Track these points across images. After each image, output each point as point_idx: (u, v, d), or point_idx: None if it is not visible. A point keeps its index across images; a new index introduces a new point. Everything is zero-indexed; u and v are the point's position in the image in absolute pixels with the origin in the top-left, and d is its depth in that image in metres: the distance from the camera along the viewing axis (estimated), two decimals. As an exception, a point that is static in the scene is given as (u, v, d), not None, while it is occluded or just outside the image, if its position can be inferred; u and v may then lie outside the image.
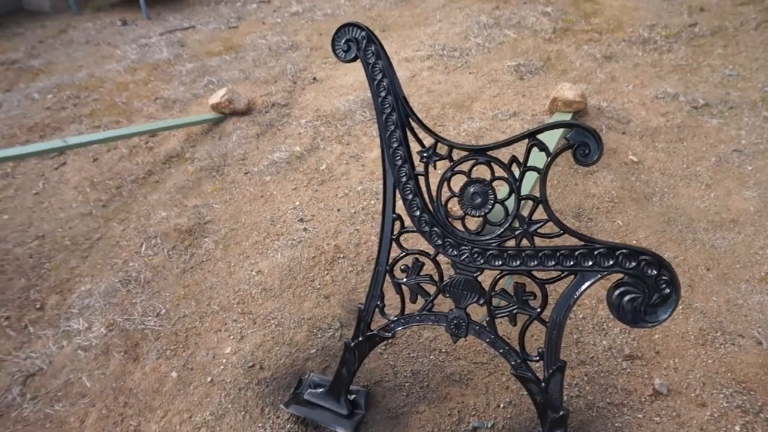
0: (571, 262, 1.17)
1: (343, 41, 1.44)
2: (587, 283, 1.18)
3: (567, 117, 2.50)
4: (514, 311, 1.29)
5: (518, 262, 1.26)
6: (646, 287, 1.09)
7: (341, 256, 2.03)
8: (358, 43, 1.41)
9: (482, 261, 1.30)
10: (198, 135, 2.89)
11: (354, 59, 1.43)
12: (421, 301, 1.41)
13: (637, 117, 2.57)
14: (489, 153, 1.29)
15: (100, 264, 2.18)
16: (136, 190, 2.56)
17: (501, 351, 1.32)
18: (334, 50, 1.45)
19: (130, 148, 2.85)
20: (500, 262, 1.28)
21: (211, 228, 2.27)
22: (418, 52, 3.41)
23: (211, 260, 2.11)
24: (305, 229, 2.18)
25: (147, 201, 2.48)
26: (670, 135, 2.47)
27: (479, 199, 1.29)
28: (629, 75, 2.90)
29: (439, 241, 1.34)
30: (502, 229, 1.27)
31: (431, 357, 1.66)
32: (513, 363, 1.31)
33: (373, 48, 1.39)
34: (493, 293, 1.31)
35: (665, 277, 1.07)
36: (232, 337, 1.78)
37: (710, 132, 2.47)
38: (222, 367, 1.69)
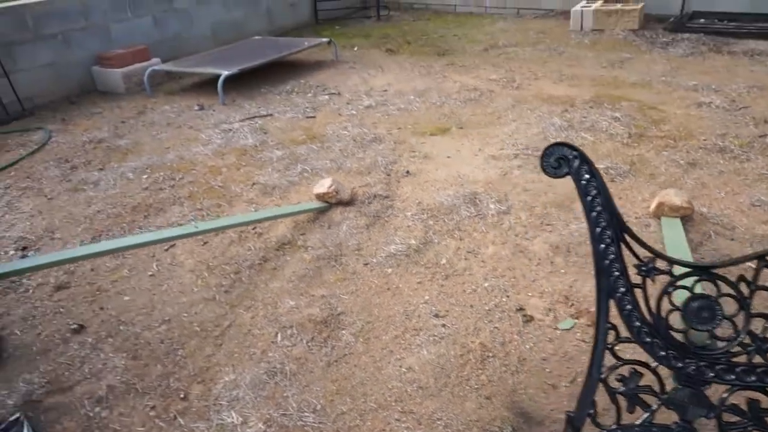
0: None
1: (553, 158, 1.55)
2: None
3: (676, 222, 2.62)
4: (748, 428, 1.31)
5: (753, 378, 1.30)
6: None
7: (490, 355, 2.05)
8: (569, 162, 1.52)
9: (712, 374, 1.34)
10: (305, 223, 2.97)
11: (564, 176, 1.54)
12: (636, 411, 1.43)
13: (740, 224, 2.70)
14: (714, 271, 1.37)
15: (237, 353, 2.17)
16: (255, 277, 2.60)
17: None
18: (543, 166, 1.56)
19: (238, 232, 2.92)
20: (732, 377, 1.32)
21: (345, 320, 2.29)
22: (503, 150, 3.59)
23: (354, 354, 2.12)
24: (443, 326, 2.21)
25: (269, 288, 2.51)
26: (775, 243, 2.59)
27: (705, 314, 1.35)
28: (718, 182, 3.07)
29: (662, 353, 1.39)
30: (731, 345, 1.32)
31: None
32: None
33: (586, 167, 1.50)
34: (723, 408, 1.34)
35: None
36: (402, 439, 1.76)
37: (813, 241, 2.59)
38: (400, 471, 1.66)
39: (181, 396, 2.00)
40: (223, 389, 2.00)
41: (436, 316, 2.27)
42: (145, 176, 3.60)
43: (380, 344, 2.15)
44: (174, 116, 4.66)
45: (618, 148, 3.52)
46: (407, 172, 3.41)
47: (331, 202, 3.05)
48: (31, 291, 2.59)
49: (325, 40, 5.87)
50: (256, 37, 6.40)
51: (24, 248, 2.92)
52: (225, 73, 4.81)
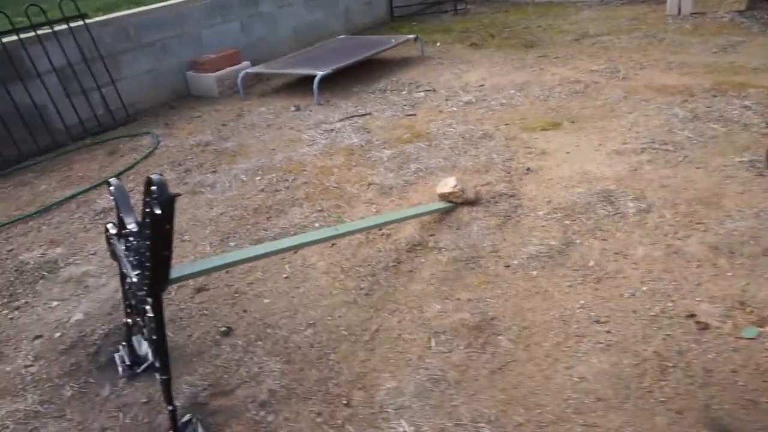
0: None
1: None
2: None
3: None
4: None
5: None
6: None
7: (669, 365, 1.91)
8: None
9: None
10: (431, 223, 2.90)
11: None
12: None
13: None
14: None
15: (392, 358, 2.12)
16: (393, 279, 2.55)
17: None
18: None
19: (365, 234, 2.88)
20: None
21: (499, 325, 2.20)
22: (626, 145, 3.40)
23: (517, 361, 2.03)
24: (608, 332, 2.09)
25: (410, 291, 2.46)
26: None
27: None
28: None
29: None
30: None
31: None
32: None
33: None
34: None
35: None
36: (595, 455, 1.65)
37: None
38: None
39: (344, 402, 1.96)
40: (387, 396, 1.96)
41: (597, 322, 2.14)
42: (258, 178, 3.64)
43: (542, 351, 2.05)
44: (272, 117, 4.71)
45: (758, 139, 3.26)
46: (528, 169, 3.28)
47: (456, 202, 2.97)
48: (173, 293, 2.65)
49: (411, 36, 5.80)
50: (340, 37, 6.40)
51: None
52: (320, 73, 4.82)
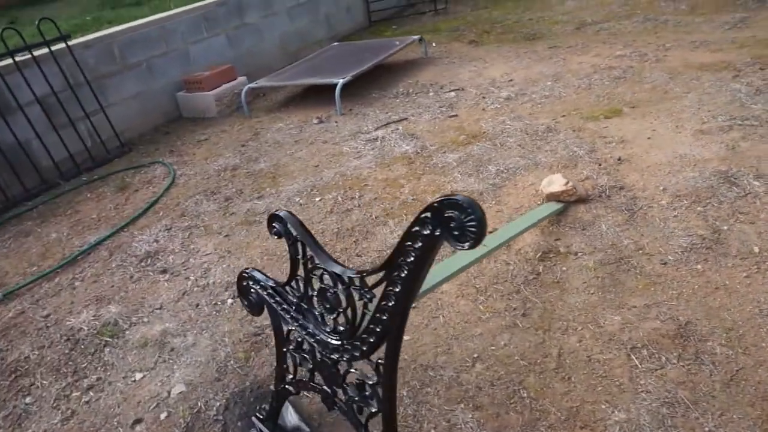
0: None
1: None
2: None
3: None
4: None
5: None
6: None
7: None
8: None
9: None
10: (548, 227, 2.63)
11: None
12: None
13: None
14: None
15: (598, 386, 1.82)
16: (542, 293, 2.25)
17: None
18: None
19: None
20: None
21: (700, 330, 1.94)
22: (706, 124, 3.28)
23: (745, 368, 1.77)
24: (827, 323, 1.89)
25: (571, 304, 2.17)
26: None
27: None
28: None
29: None
30: None
31: None
32: None
33: None
34: None
35: None
36: None
37: None
38: None
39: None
40: (616, 428, 1.66)
41: (810, 314, 1.94)
42: (317, 199, 3.24)
43: (766, 352, 1.82)
44: (296, 133, 4.30)
45: (832, 105, 3.22)
46: (619, 158, 3.07)
47: (569, 201, 2.71)
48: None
49: (416, 37, 5.53)
50: (334, 44, 6.04)
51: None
52: (340, 80, 4.46)
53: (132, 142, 4.72)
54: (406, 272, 1.16)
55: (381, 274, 1.23)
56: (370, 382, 1.36)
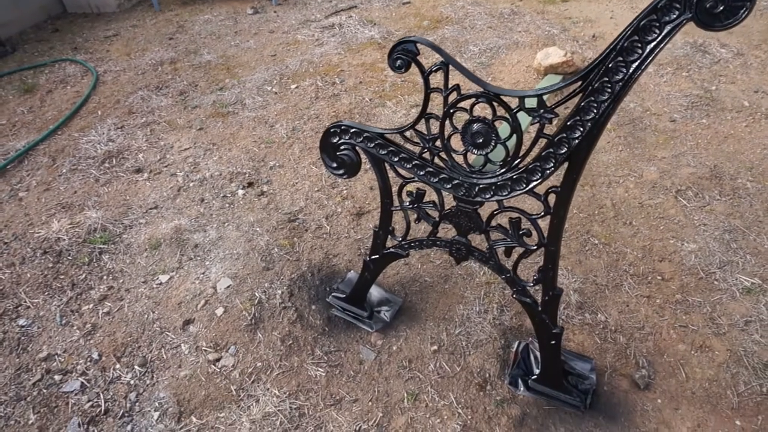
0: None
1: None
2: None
3: None
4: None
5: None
6: None
7: None
8: None
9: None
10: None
11: None
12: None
13: None
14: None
15: (660, 226, 1.92)
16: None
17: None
18: None
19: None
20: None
21: (728, 170, 2.11)
22: (657, 4, 3.46)
23: (778, 197, 1.99)
24: (823, 154, 2.15)
25: (603, 162, 2.23)
26: None
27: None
28: None
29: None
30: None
31: None
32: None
33: None
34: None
35: None
36: None
37: None
38: None
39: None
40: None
41: (805, 148, 2.20)
42: (293, 86, 2.91)
43: (788, 183, 2.05)
44: (231, 24, 3.78)
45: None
46: (593, 36, 3.15)
47: (567, 72, 2.74)
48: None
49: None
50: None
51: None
52: (274, -36, 3.95)
53: (14, 41, 3.82)
54: (621, 74, 1.06)
55: (577, 85, 1.11)
56: (534, 216, 1.27)
